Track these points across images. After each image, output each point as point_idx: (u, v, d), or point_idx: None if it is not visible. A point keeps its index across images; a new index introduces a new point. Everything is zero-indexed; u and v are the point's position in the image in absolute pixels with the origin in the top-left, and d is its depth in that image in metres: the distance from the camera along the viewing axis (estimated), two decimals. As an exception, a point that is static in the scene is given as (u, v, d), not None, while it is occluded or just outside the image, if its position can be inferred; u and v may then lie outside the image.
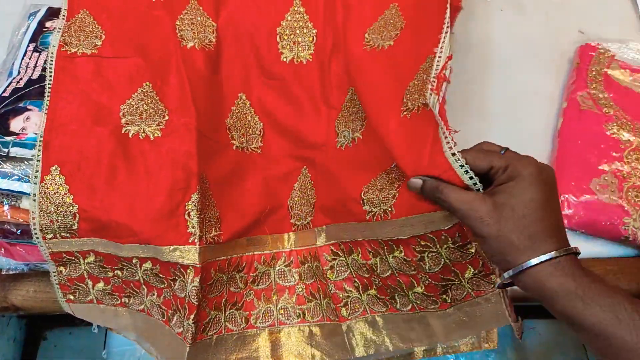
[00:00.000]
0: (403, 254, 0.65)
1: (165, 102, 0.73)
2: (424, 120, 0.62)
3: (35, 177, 0.66)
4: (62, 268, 0.70)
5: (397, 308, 0.69)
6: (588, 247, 0.77)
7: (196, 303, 0.64)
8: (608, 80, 0.86)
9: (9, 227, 0.68)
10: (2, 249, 0.72)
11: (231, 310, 0.70)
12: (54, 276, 0.71)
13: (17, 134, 0.67)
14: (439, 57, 0.65)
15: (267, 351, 0.70)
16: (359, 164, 0.71)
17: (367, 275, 0.70)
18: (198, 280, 0.64)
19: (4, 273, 0.74)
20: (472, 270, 0.63)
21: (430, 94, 0.61)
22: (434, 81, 0.62)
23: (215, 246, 0.68)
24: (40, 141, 0.67)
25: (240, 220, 0.72)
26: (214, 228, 0.68)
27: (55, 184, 0.66)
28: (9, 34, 0.82)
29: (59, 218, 0.66)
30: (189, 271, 0.64)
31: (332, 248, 0.73)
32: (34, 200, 0.65)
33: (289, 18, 0.79)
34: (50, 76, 0.72)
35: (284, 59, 0.78)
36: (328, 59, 0.77)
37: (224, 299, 0.70)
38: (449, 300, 0.66)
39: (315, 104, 0.79)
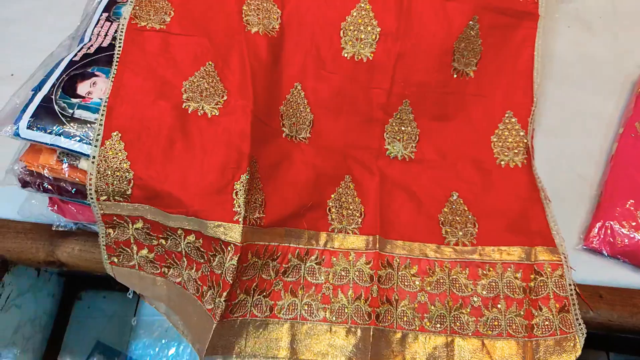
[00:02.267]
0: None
1: (225, 83, 0.75)
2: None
3: (97, 140, 0.68)
4: (110, 230, 0.73)
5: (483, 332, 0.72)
6: (630, 278, 0.75)
7: (231, 281, 0.66)
8: (670, 109, 0.83)
9: (64, 185, 0.71)
10: (56, 205, 0.75)
11: (259, 297, 0.72)
12: (102, 237, 0.74)
13: (82, 97, 0.70)
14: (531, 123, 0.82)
15: (285, 343, 0.71)
16: (431, 181, 0.80)
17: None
18: (236, 259, 0.65)
19: (53, 229, 0.77)
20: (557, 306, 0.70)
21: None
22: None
23: (257, 229, 0.69)
24: (104, 106, 0.70)
25: (283, 207, 0.73)
26: (257, 210, 0.69)
27: (115, 149, 0.68)
28: (83, 3, 0.86)
29: (115, 182, 0.68)
30: (229, 249, 0.66)
31: (388, 259, 0.75)
32: (93, 162, 0.68)
33: (355, 14, 0.80)
34: (120, 46, 0.75)
35: (345, 54, 0.80)
36: (393, 63, 0.79)
37: (254, 284, 0.71)
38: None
39: (369, 104, 0.81)
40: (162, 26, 0.78)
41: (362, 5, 0.80)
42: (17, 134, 0.68)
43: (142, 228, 0.72)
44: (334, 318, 0.72)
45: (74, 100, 0.69)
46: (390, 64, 0.80)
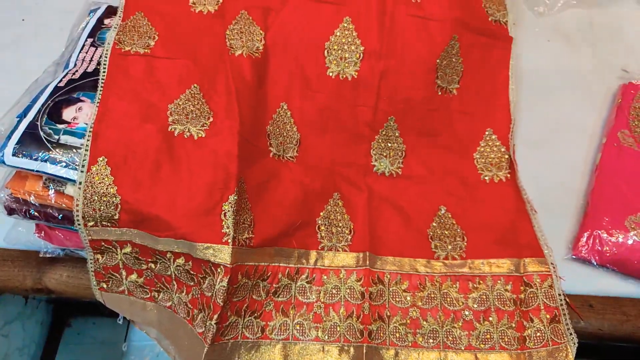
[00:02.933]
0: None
1: (211, 105, 0.76)
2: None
3: (83, 165, 0.68)
4: (99, 256, 0.72)
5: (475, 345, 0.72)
6: (620, 287, 0.76)
7: (221, 304, 0.65)
8: (651, 118, 0.85)
9: (51, 211, 0.70)
10: (42, 232, 0.75)
11: (249, 318, 0.71)
12: (91, 263, 0.73)
13: (68, 123, 0.70)
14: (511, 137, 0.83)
15: None
16: (419, 196, 0.81)
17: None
18: (227, 280, 0.65)
19: (40, 255, 0.76)
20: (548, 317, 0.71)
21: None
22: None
23: (246, 250, 0.69)
24: (90, 131, 0.70)
25: (272, 227, 0.73)
26: (247, 231, 0.69)
27: (101, 175, 0.68)
28: (69, 29, 0.86)
29: (102, 207, 0.68)
30: (219, 270, 0.66)
31: (379, 275, 0.75)
32: (79, 188, 0.68)
33: (338, 34, 0.81)
34: (104, 71, 0.75)
35: (330, 73, 0.81)
36: (377, 81, 0.80)
37: (245, 305, 0.71)
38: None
39: (355, 122, 0.82)
40: (146, 50, 0.78)
41: (345, 25, 0.81)
42: (2, 161, 0.67)
43: (131, 252, 0.72)
44: (326, 337, 0.71)
45: (59, 126, 0.69)
46: (375, 82, 0.81)
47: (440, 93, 0.84)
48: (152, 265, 0.72)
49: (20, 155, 0.67)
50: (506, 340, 0.71)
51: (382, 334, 0.72)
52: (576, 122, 0.88)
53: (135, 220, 0.69)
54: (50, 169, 0.67)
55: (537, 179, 0.83)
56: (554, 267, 0.74)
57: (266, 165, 0.77)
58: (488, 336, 0.71)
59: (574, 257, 0.77)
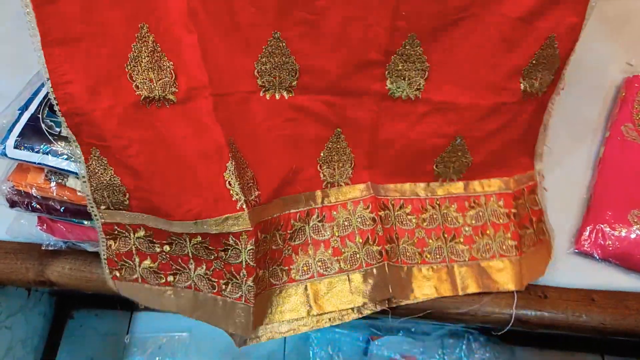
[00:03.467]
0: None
1: (169, 55, 0.66)
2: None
3: (79, 158, 0.67)
4: (111, 242, 0.72)
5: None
6: (622, 281, 0.76)
7: (254, 265, 0.66)
8: (655, 112, 0.85)
9: (53, 203, 0.70)
10: (45, 225, 0.75)
11: (273, 267, 0.72)
12: (103, 250, 0.72)
13: (70, 115, 0.70)
14: None
15: (308, 302, 0.72)
16: (429, 126, 0.74)
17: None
18: (252, 243, 0.65)
19: (43, 248, 0.77)
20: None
21: None
22: None
23: (258, 207, 0.69)
24: (65, 126, 0.65)
25: (274, 177, 0.72)
26: (252, 189, 0.68)
27: (101, 165, 0.67)
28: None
29: (111, 195, 0.68)
30: (242, 237, 0.65)
31: (384, 202, 0.77)
32: (84, 181, 0.68)
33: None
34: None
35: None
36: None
37: (267, 257, 0.71)
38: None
39: (366, 43, 0.69)
40: None
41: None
42: (4, 154, 0.67)
43: (145, 236, 0.71)
44: (349, 266, 0.73)
45: (60, 118, 0.69)
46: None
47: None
48: (167, 247, 0.71)
49: (21, 148, 0.67)
50: (504, 248, 0.77)
51: (394, 254, 0.75)
52: (580, 116, 0.88)
53: (146, 208, 0.69)
54: (51, 161, 0.67)
55: (540, 172, 0.82)
56: (540, 175, 0.81)
57: (255, 109, 0.71)
58: (488, 247, 0.77)
59: (576, 250, 0.77)
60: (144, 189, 0.68)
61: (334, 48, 0.69)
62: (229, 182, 0.66)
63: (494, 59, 0.70)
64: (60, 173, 0.69)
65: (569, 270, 0.75)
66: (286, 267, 0.73)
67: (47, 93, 0.68)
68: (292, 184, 0.74)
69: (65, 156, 0.68)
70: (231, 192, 0.66)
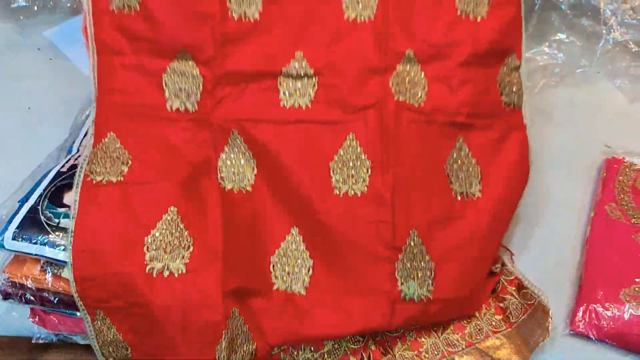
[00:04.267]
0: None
1: (191, 231, 0.72)
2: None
3: (86, 314, 0.69)
4: None
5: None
6: (620, 361, 0.75)
7: None
8: (636, 191, 0.87)
9: (47, 295, 0.70)
10: (37, 317, 0.74)
11: None
12: None
13: (69, 207, 0.71)
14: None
15: None
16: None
17: None
18: None
19: (33, 341, 0.75)
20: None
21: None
22: None
23: None
24: (73, 283, 0.68)
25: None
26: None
27: (105, 324, 0.69)
28: (74, 115, 0.90)
29: (116, 350, 0.71)
30: None
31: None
32: (93, 339, 0.70)
33: (342, 152, 0.76)
34: (75, 209, 0.70)
35: (337, 192, 0.75)
36: (390, 194, 0.74)
37: None
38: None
39: (371, 242, 0.74)
40: (119, 178, 0.73)
41: (349, 142, 0.77)
42: (2, 246, 0.68)
43: None
44: None
45: (60, 210, 0.71)
46: (388, 196, 0.74)
47: (460, 198, 0.78)
48: None
49: (20, 239, 0.68)
50: (494, 324, 0.77)
51: None
52: (564, 197, 0.91)
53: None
54: (48, 252, 0.68)
55: (530, 254, 0.84)
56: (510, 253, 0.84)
57: (272, 302, 0.74)
58: (479, 328, 0.77)
59: (571, 332, 0.77)
60: (145, 350, 0.70)
61: (342, 245, 0.75)
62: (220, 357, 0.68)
63: None
64: (56, 264, 0.69)
65: (566, 353, 0.74)
66: None
67: (48, 184, 0.71)
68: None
69: (63, 247, 0.68)
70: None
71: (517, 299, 0.78)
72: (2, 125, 0.97)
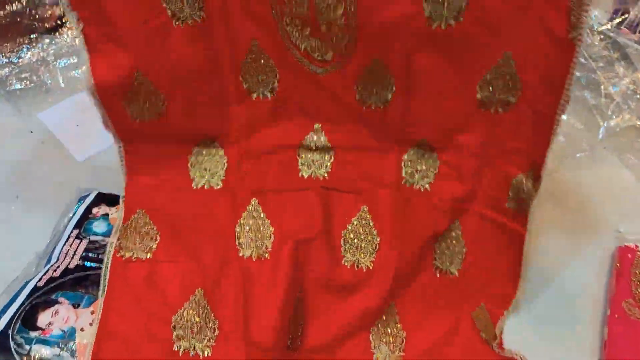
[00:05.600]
0: None
1: (217, 313, 0.72)
2: None
3: None
4: None
5: None
6: None
7: None
8: (654, 285, 0.82)
9: None
10: None
11: None
12: None
13: (42, 330, 0.67)
14: None
15: None
16: None
17: None
18: None
19: None
20: None
21: None
22: None
23: None
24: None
25: None
26: None
27: None
28: (64, 203, 0.86)
29: None
30: None
31: None
32: None
33: (355, 222, 0.79)
34: (105, 284, 0.72)
35: (345, 263, 0.78)
36: (392, 271, 0.76)
37: None
38: None
39: (359, 312, 0.75)
40: (148, 255, 0.76)
41: (363, 214, 0.80)
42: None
43: None
44: None
45: (32, 334, 0.66)
46: (389, 273, 0.76)
47: (439, 275, 0.80)
48: None
49: (-15, 369, 0.63)
50: None
51: None
52: (579, 292, 0.85)
53: None
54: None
55: (546, 357, 0.77)
56: None
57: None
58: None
59: None
60: None
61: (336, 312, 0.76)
62: None
63: None
64: (26, 394, 0.64)
65: None
66: None
67: (22, 303, 0.67)
68: None
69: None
70: None
71: None
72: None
